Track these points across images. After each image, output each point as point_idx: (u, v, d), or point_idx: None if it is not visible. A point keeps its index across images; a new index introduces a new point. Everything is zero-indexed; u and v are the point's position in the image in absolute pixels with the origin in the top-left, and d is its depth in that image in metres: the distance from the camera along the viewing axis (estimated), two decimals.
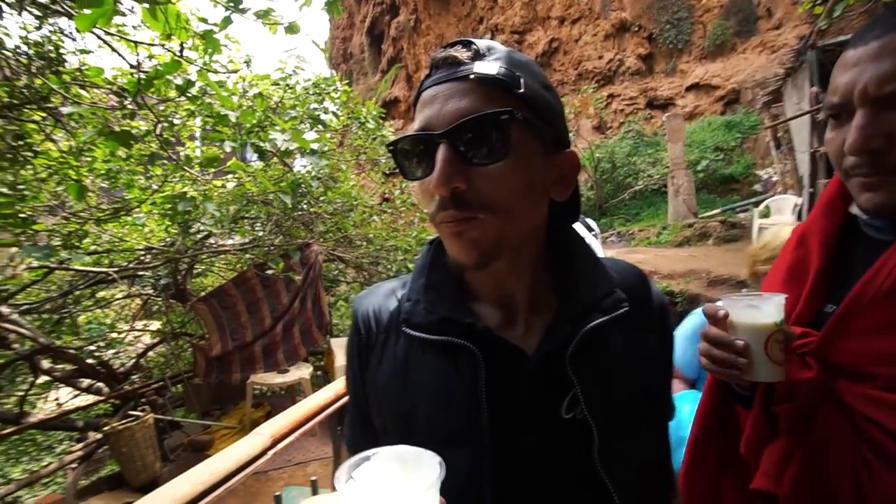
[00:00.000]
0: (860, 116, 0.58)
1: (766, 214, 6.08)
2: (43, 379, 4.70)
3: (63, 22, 2.59)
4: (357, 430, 0.64)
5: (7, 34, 2.25)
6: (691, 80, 11.34)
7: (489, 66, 0.47)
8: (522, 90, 0.47)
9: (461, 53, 0.48)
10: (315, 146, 3.29)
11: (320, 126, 4.23)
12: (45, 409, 5.70)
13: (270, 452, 1.44)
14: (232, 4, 2.07)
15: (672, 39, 11.68)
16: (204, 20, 2.22)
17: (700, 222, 7.10)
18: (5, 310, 3.38)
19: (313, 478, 1.57)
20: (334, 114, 4.37)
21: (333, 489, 0.40)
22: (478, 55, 0.48)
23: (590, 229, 1.87)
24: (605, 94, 12.10)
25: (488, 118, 0.45)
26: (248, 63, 3.74)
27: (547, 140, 0.51)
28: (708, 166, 9.19)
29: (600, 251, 1.78)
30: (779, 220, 5.78)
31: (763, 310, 0.62)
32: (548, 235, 0.58)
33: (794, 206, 5.58)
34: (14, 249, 3.32)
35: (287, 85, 3.80)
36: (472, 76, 0.47)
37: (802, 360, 0.65)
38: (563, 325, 0.52)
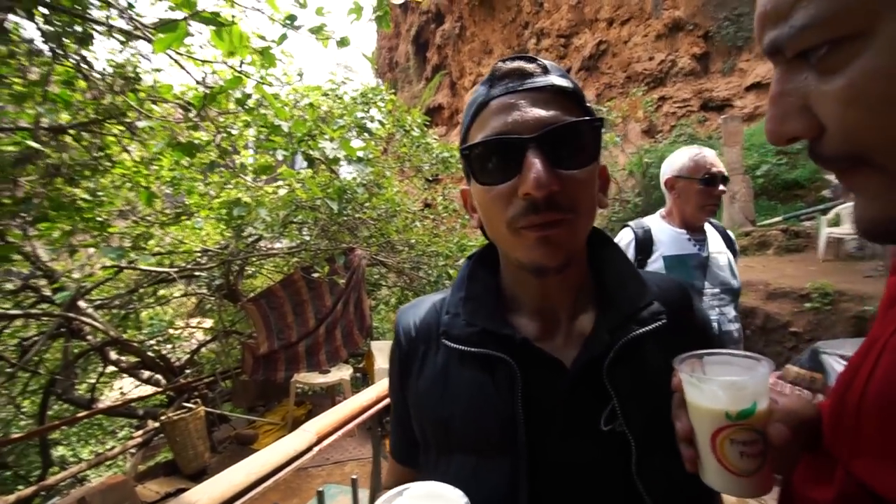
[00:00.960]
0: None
1: (835, 223, 5.59)
2: (110, 369, 5.12)
3: (141, 45, 2.85)
4: (400, 440, 0.66)
5: (96, 58, 2.49)
6: (752, 79, 10.66)
7: (563, 81, 0.50)
8: (589, 104, 0.52)
9: (531, 67, 0.51)
10: (361, 154, 3.39)
11: (366, 134, 4.36)
12: (110, 396, 6.21)
13: (316, 449, 1.50)
14: (288, 22, 2.20)
15: (731, 37, 11.05)
16: (262, 37, 2.36)
17: (759, 230, 6.64)
18: (83, 304, 3.73)
19: (354, 476, 1.61)
20: (380, 122, 4.49)
21: (372, 490, 0.43)
22: (546, 70, 0.51)
23: (730, 244, 1.74)
24: (656, 97, 11.63)
25: (578, 126, 0.48)
26: (300, 75, 3.93)
27: (600, 149, 0.54)
28: (769, 171, 8.58)
29: (735, 268, 1.67)
30: (850, 229, 5.30)
31: (705, 388, 0.43)
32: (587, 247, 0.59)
33: None
34: (92, 250, 3.65)
35: (336, 95, 3.94)
36: (550, 87, 0.49)
37: (824, 461, 0.42)
38: (602, 336, 0.52)
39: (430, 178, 5.46)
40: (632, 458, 0.49)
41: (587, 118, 0.49)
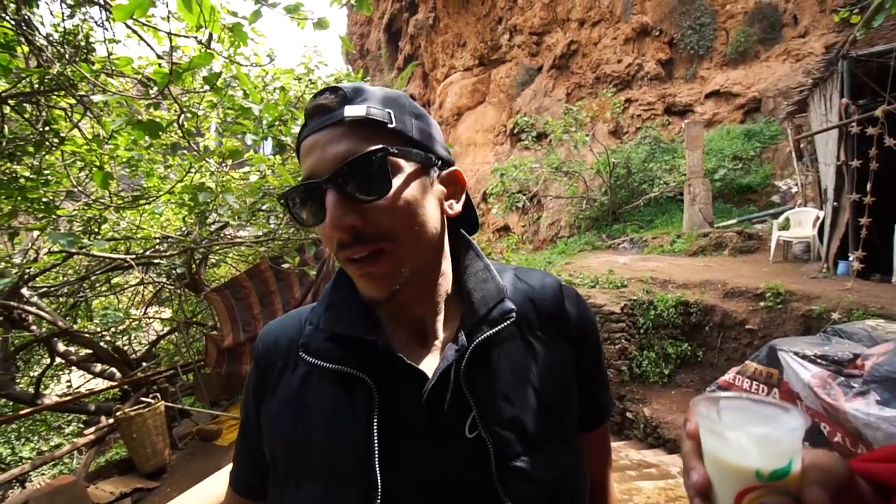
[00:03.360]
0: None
1: (785, 227, 5.97)
2: (58, 361, 4.77)
3: (93, 12, 2.62)
4: (244, 468, 0.62)
5: (41, 23, 2.27)
6: (711, 87, 11.17)
7: (357, 109, 0.49)
8: (393, 124, 0.50)
9: (330, 100, 0.50)
10: None
11: None
12: (56, 391, 5.79)
13: None
14: None
15: (693, 45, 11.51)
16: (234, 14, 2.22)
17: (716, 232, 7.00)
18: (26, 292, 3.43)
19: None
20: None
21: None
22: (345, 99, 0.50)
23: None
24: (623, 99, 11.97)
25: (365, 158, 0.48)
26: (271, 57, 3.75)
27: (427, 163, 0.53)
28: (725, 175, 9.05)
29: None
30: (798, 233, 5.67)
31: (731, 439, 0.37)
32: (453, 252, 0.60)
33: (816, 218, 5.47)
34: (35, 233, 3.37)
35: (310, 80, 3.79)
36: (343, 120, 0.49)
37: None
38: (459, 341, 0.52)
39: None
40: (491, 462, 0.48)
41: (368, 151, 0.48)
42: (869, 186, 4.03)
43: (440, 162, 0.55)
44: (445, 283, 0.58)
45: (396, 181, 0.49)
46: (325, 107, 0.50)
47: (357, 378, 0.50)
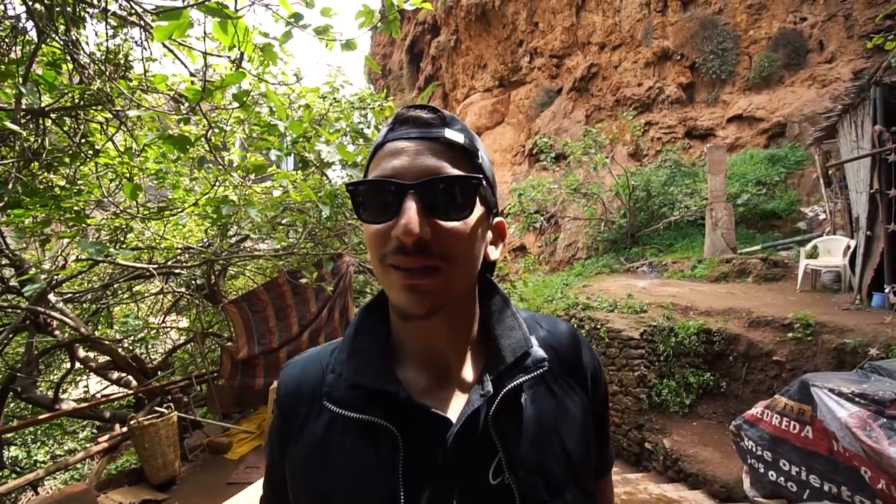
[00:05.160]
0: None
1: (813, 255, 5.77)
2: (77, 367, 4.85)
3: (134, 32, 2.74)
4: None
5: (86, 41, 2.38)
6: (734, 111, 11.05)
7: (456, 135, 0.52)
8: (480, 161, 0.54)
9: (430, 117, 0.52)
10: (358, 159, 3.33)
11: (361, 140, 4.30)
12: (73, 395, 5.87)
13: None
14: (293, 20, 2.14)
15: (716, 70, 11.46)
16: (265, 34, 2.29)
17: (739, 258, 6.80)
18: (52, 298, 3.52)
19: None
20: (376, 128, 4.44)
21: None
22: (444, 122, 0.52)
23: None
24: (643, 122, 11.92)
25: (460, 180, 0.50)
26: (298, 77, 3.85)
27: (492, 206, 0.57)
28: (748, 200, 8.86)
29: None
30: (828, 261, 5.47)
31: None
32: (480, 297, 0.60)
33: (847, 247, 5.27)
34: (65, 241, 3.46)
35: (335, 98, 3.88)
36: (442, 139, 0.51)
37: None
38: (486, 387, 0.53)
39: None
40: None
41: (468, 175, 0.50)
42: None
43: (496, 209, 0.59)
44: (474, 326, 0.58)
45: (475, 215, 0.51)
46: (424, 120, 0.52)
47: (381, 427, 0.50)
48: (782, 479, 2.42)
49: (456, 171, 0.50)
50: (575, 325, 3.84)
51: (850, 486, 2.02)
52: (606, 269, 8.63)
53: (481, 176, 0.51)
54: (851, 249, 5.14)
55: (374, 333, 0.57)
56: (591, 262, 9.74)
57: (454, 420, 0.51)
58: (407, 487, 0.48)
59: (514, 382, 0.52)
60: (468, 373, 0.57)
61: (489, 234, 0.57)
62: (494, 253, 0.59)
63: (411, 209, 0.47)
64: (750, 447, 2.64)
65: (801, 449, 2.29)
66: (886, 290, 4.19)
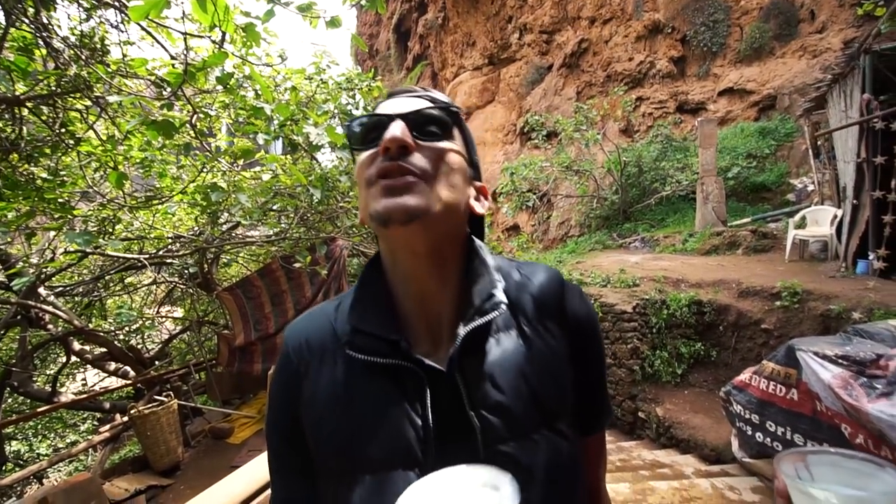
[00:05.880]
0: None
1: (801, 225, 5.84)
2: (73, 360, 4.85)
3: (108, 14, 2.65)
4: (284, 484, 0.61)
5: (59, 25, 2.30)
6: (725, 84, 10.99)
7: (441, 97, 0.60)
8: (461, 124, 0.60)
9: (417, 90, 0.61)
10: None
11: None
12: (71, 389, 5.89)
13: None
14: None
15: (707, 42, 11.34)
16: (247, 14, 2.23)
17: (729, 231, 6.87)
18: (43, 291, 3.49)
19: None
20: (365, 109, 4.38)
21: None
22: (428, 93, 0.60)
23: None
24: (634, 97, 11.83)
25: (442, 108, 0.56)
26: (282, 57, 3.77)
27: (472, 161, 0.61)
28: (739, 173, 8.90)
29: None
30: (815, 231, 5.55)
31: (821, 500, 0.36)
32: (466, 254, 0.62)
33: (833, 217, 5.34)
34: (52, 233, 3.42)
35: (321, 80, 3.80)
36: (426, 97, 0.59)
37: None
38: (459, 335, 0.55)
39: None
40: (479, 447, 0.50)
41: (448, 104, 0.58)
42: (893, 183, 3.93)
43: (477, 173, 0.63)
44: (458, 275, 0.59)
45: (452, 143, 0.57)
46: (412, 89, 0.60)
47: (406, 369, 0.53)
48: (769, 439, 2.51)
49: (440, 110, 0.56)
50: None
51: (831, 442, 2.11)
52: (599, 245, 8.69)
53: (457, 109, 0.58)
54: (838, 219, 5.21)
55: (377, 285, 0.59)
56: (583, 239, 9.79)
57: (444, 369, 0.53)
58: (435, 423, 0.51)
59: (472, 325, 0.54)
60: (455, 324, 0.57)
61: (471, 190, 0.60)
62: (479, 207, 0.61)
63: (398, 125, 0.53)
64: (738, 411, 2.73)
65: (787, 410, 2.38)
66: (871, 257, 4.27)
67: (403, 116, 0.54)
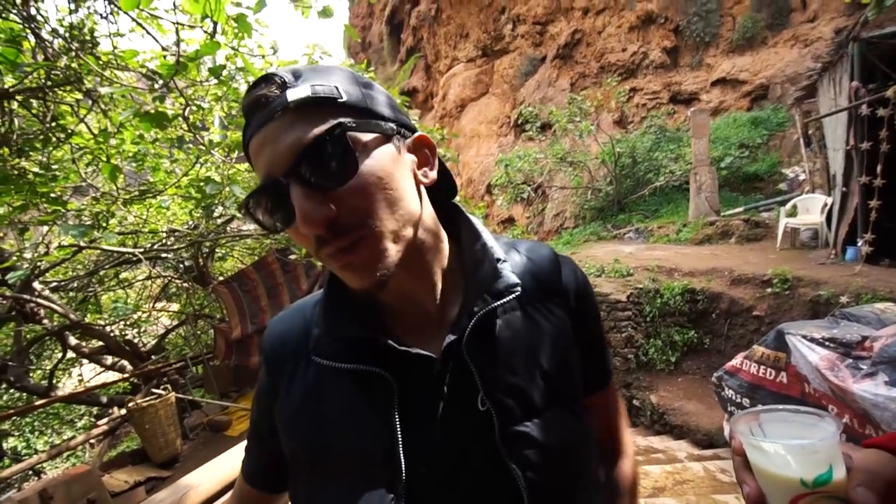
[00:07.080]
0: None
1: (792, 214, 5.91)
2: (70, 355, 4.84)
3: (98, 6, 2.62)
4: (256, 461, 0.65)
5: (46, 16, 2.28)
6: (718, 74, 11.02)
7: (301, 90, 0.45)
8: (343, 98, 0.46)
9: (268, 90, 0.46)
10: None
11: None
12: (67, 384, 5.88)
13: None
14: None
15: (699, 32, 11.35)
16: (238, 4, 2.22)
17: (722, 221, 6.94)
18: (38, 286, 3.48)
19: None
20: None
21: None
22: (285, 85, 0.45)
23: None
24: (628, 88, 11.84)
25: (320, 140, 0.43)
26: (274, 49, 3.74)
27: (390, 132, 0.49)
28: (732, 163, 8.96)
29: None
30: (806, 219, 5.62)
31: (771, 452, 0.39)
32: (446, 227, 0.58)
33: (824, 205, 5.41)
34: (45, 228, 3.40)
35: None
36: (287, 107, 0.44)
37: None
38: (462, 319, 0.52)
39: None
40: (494, 429, 0.49)
41: (321, 131, 0.44)
42: (879, 169, 3.98)
43: (403, 129, 0.51)
44: (441, 259, 0.56)
45: (362, 158, 0.45)
46: (265, 97, 0.45)
47: (373, 374, 0.50)
48: None
49: (317, 130, 0.44)
50: None
51: None
52: (594, 236, 8.74)
53: (338, 122, 0.44)
54: (828, 206, 5.27)
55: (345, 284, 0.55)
56: (578, 230, 9.84)
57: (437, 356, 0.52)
58: (404, 427, 0.49)
59: (486, 309, 0.52)
60: (449, 308, 0.56)
61: (409, 160, 0.52)
62: (430, 174, 0.54)
63: (299, 200, 0.43)
64: (730, 396, 2.78)
65: (776, 393, 2.43)
66: (859, 243, 4.34)
67: (291, 176, 0.44)
